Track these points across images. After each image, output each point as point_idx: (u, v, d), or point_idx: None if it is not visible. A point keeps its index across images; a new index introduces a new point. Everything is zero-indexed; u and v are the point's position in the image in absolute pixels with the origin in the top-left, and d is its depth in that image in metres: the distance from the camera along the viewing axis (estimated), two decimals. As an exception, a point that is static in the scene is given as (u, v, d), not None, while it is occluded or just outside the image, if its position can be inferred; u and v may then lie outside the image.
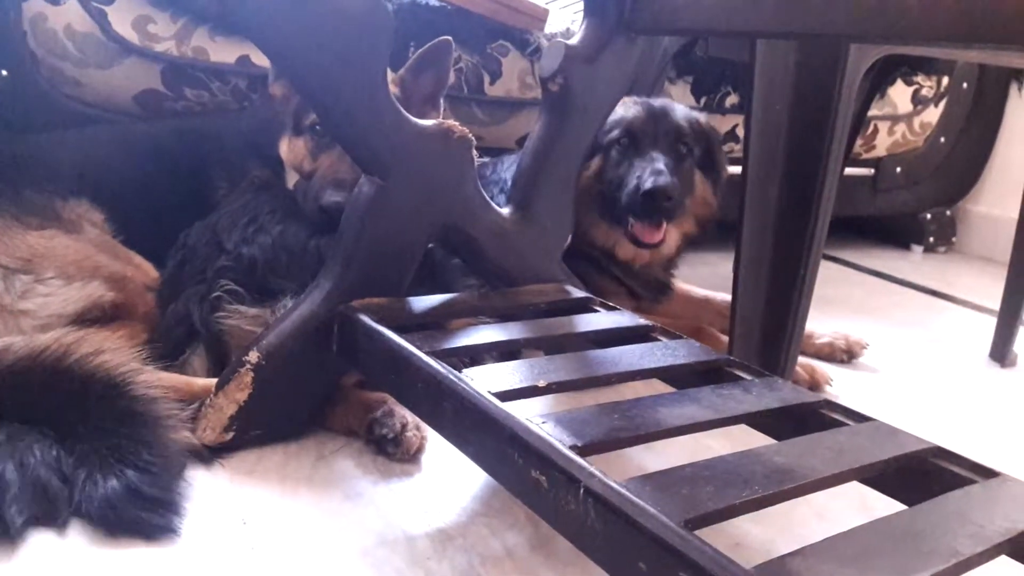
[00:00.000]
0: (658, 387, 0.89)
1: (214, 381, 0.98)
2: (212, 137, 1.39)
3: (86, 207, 1.23)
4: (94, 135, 1.39)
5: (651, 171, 1.30)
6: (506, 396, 0.75)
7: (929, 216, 2.54)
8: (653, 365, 0.87)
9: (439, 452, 1.01)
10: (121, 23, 1.42)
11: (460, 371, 0.80)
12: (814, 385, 1.31)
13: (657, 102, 1.43)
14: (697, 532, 0.54)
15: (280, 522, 0.87)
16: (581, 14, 1.14)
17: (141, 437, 0.87)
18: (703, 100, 1.97)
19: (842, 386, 1.35)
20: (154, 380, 0.92)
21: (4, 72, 1.39)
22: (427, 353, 0.84)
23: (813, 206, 1.14)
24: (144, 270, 1.19)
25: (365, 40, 0.91)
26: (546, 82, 1.11)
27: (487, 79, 1.72)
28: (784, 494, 0.61)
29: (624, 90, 1.17)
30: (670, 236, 1.41)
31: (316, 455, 1.00)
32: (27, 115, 1.42)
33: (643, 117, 1.39)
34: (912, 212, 2.52)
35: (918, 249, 2.57)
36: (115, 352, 0.93)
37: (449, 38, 1.28)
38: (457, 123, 1.03)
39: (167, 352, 1.04)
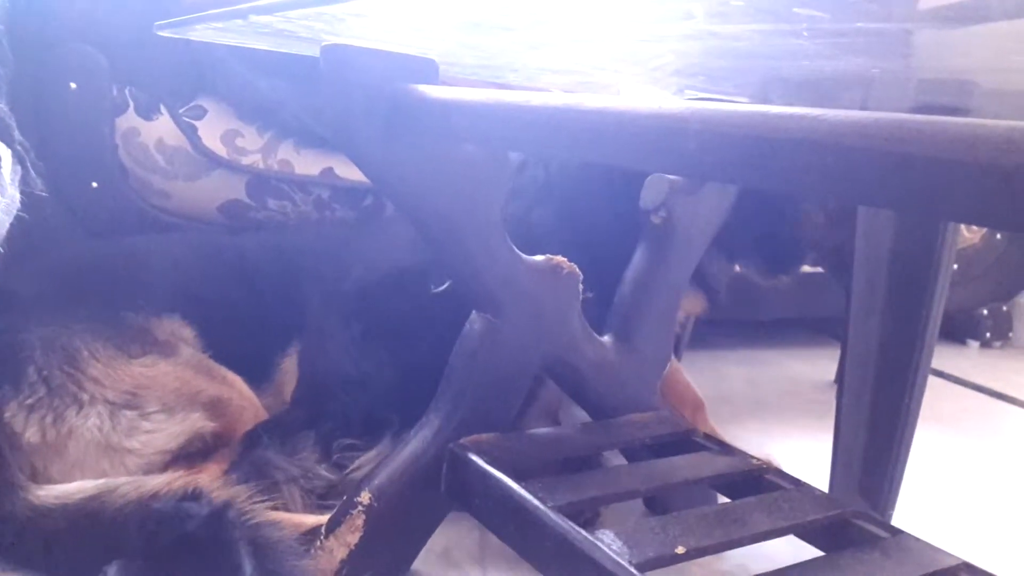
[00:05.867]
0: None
1: (325, 518, 0.96)
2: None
3: (178, 323, 1.22)
4: (182, 242, 1.40)
5: None
6: (644, 566, 0.73)
7: (986, 312, 2.52)
8: (787, 522, 0.84)
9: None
10: (211, 137, 1.44)
11: (585, 527, 0.78)
12: None
13: None
14: None
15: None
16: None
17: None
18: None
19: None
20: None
21: (95, 184, 1.41)
22: (553, 509, 0.82)
23: (918, 333, 1.13)
24: (239, 388, 1.18)
25: (487, 187, 0.91)
26: (648, 215, 1.11)
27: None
28: None
29: (724, 218, 1.17)
30: None
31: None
32: (113, 225, 1.44)
33: None
34: (969, 308, 2.50)
35: (974, 344, 2.54)
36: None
37: None
38: (564, 258, 1.03)
39: None
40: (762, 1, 0.45)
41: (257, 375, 1.25)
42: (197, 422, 1.06)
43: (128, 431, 1.01)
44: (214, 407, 1.10)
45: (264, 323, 1.29)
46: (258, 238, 1.45)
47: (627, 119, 0.51)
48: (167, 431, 1.03)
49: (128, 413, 1.02)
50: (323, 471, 1.13)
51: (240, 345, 1.25)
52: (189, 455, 1.04)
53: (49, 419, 1.00)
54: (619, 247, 1.14)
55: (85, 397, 1.03)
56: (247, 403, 1.17)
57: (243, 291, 1.34)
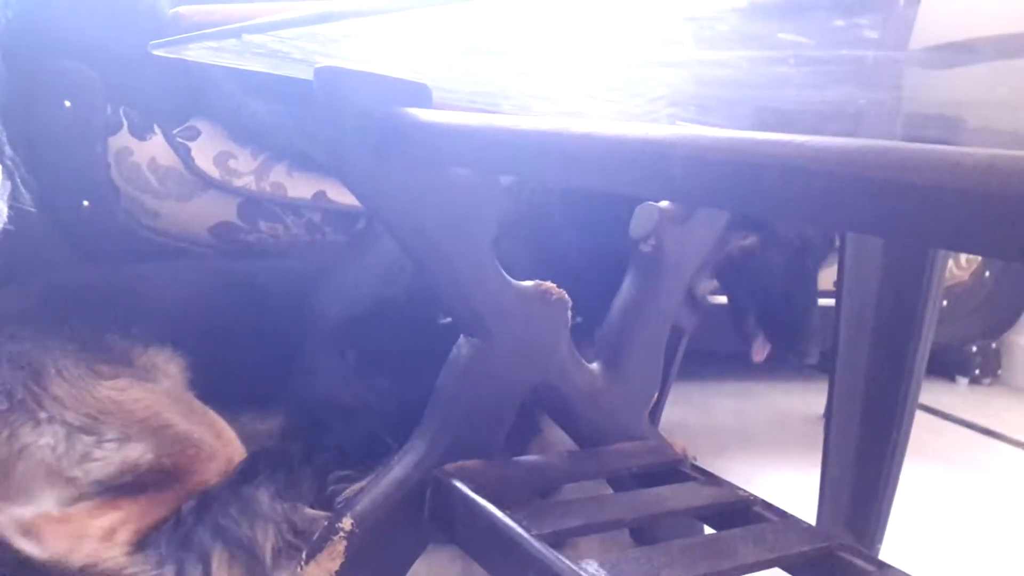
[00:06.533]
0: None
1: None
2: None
3: (166, 355, 1.17)
4: (177, 268, 1.39)
5: None
6: (629, 596, 0.73)
7: (975, 349, 2.53)
8: (773, 554, 0.83)
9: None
10: (203, 158, 1.45)
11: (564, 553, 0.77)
12: None
13: None
14: None
15: None
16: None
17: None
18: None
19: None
20: None
21: (86, 203, 1.41)
22: (537, 538, 0.81)
23: (906, 368, 1.13)
24: (217, 430, 1.11)
25: (478, 212, 0.91)
26: (638, 243, 1.11)
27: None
28: None
29: (713, 244, 1.18)
30: None
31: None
32: (103, 244, 1.43)
33: None
34: (958, 345, 2.51)
35: (963, 381, 2.54)
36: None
37: None
38: (554, 284, 1.03)
39: None
40: (747, 27, 0.45)
41: (259, 404, 1.22)
42: (134, 454, 1.00)
43: (80, 458, 0.97)
44: (176, 444, 1.04)
45: (265, 352, 1.27)
46: (263, 265, 1.43)
47: (615, 144, 0.51)
48: (109, 460, 0.99)
49: (85, 439, 0.98)
50: (315, 509, 1.10)
51: (239, 377, 1.22)
52: (126, 486, 0.99)
53: (4, 434, 0.97)
54: (591, 280, 1.13)
55: (43, 416, 0.99)
56: (219, 450, 1.09)
57: (245, 321, 1.30)
